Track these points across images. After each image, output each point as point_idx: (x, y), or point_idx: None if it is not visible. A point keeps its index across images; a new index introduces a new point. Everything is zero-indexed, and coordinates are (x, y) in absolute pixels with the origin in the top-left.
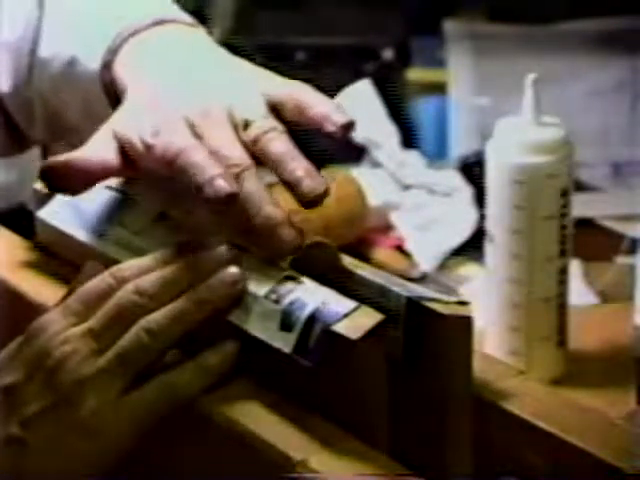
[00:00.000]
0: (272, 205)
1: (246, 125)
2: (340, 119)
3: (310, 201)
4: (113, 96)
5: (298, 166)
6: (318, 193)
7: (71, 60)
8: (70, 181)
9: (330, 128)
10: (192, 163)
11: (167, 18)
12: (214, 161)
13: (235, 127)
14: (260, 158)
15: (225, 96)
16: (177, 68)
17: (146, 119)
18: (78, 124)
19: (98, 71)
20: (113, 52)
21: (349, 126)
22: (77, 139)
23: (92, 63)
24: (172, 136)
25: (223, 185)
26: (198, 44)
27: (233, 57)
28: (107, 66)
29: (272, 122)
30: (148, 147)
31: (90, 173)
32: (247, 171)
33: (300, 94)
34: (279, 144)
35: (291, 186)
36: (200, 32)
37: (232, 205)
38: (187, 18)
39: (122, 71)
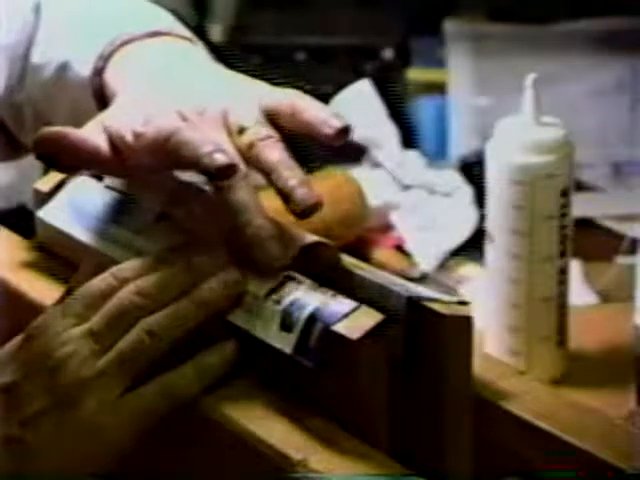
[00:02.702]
0: (263, 217)
1: (241, 131)
2: (337, 123)
3: (302, 211)
4: (102, 102)
5: (292, 175)
6: (310, 204)
7: (63, 65)
8: (59, 153)
9: (327, 131)
10: (187, 139)
11: (163, 30)
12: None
13: (229, 132)
14: (253, 164)
15: (220, 103)
16: (169, 77)
17: (137, 113)
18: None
19: (89, 77)
20: (105, 59)
21: (346, 130)
22: None
23: (83, 69)
24: (164, 121)
25: (222, 157)
26: (192, 56)
27: (227, 70)
28: (98, 72)
29: (268, 130)
30: (138, 135)
31: (80, 152)
32: (240, 179)
33: (295, 100)
34: (274, 152)
35: (284, 195)
36: (196, 46)
37: (231, 177)
38: (185, 32)
39: (113, 78)
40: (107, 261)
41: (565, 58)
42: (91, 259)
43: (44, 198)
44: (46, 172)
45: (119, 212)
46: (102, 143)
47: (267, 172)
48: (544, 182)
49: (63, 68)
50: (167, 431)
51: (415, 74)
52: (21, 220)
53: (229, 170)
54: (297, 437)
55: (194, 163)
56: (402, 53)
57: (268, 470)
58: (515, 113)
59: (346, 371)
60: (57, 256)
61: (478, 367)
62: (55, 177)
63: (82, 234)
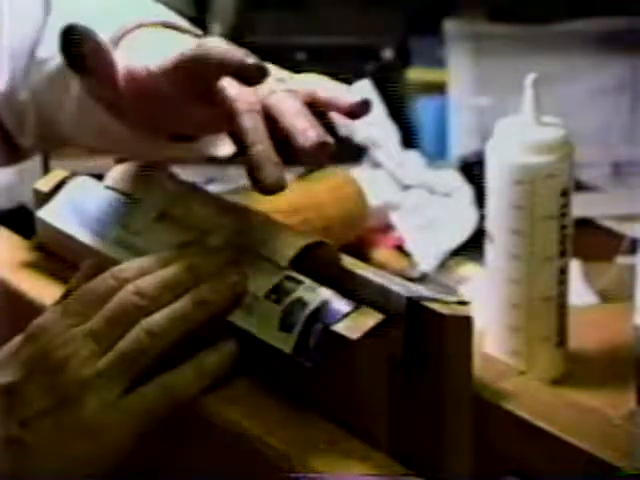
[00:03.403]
0: (264, 144)
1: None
2: (355, 98)
3: (311, 152)
4: None
5: (306, 119)
6: (322, 142)
7: None
8: (80, 47)
9: (347, 106)
10: (220, 46)
11: (172, 22)
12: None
13: None
14: (270, 108)
15: None
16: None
17: None
18: (71, 128)
19: None
20: (114, 43)
21: (366, 104)
22: (68, 147)
23: None
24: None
25: (253, 60)
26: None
27: None
28: None
29: (293, 86)
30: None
31: (102, 57)
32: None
33: (312, 80)
34: (293, 101)
35: (294, 136)
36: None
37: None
38: (194, 29)
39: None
40: (107, 261)
41: (565, 58)
42: (91, 259)
43: (44, 198)
44: (46, 172)
45: (119, 212)
46: (122, 63)
47: (278, 115)
48: (544, 182)
49: None
50: (167, 431)
51: (415, 74)
52: (21, 220)
53: (261, 72)
54: (297, 437)
55: (224, 68)
56: (402, 53)
57: (268, 470)
58: (515, 113)
59: (346, 371)
60: (57, 256)
61: (478, 367)
62: (55, 177)
63: (82, 234)
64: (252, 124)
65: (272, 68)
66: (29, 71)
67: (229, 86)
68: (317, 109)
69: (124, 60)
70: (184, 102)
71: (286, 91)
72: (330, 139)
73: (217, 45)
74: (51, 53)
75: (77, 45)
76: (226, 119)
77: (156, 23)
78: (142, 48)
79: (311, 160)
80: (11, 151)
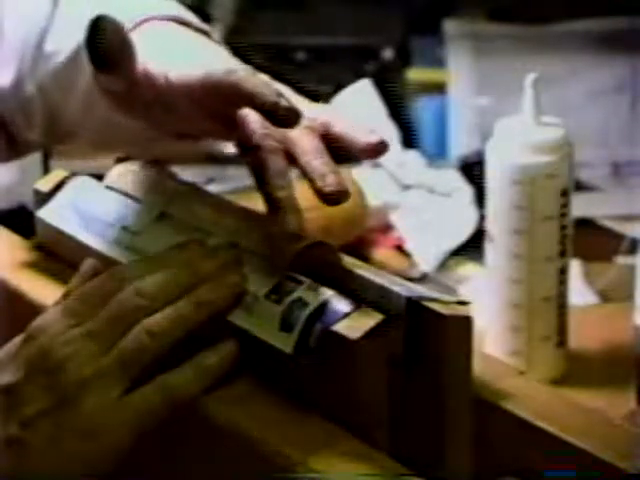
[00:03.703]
0: (288, 191)
1: None
2: (373, 138)
3: (329, 196)
4: None
5: (325, 162)
6: (341, 189)
7: (77, 49)
8: (107, 42)
9: (363, 144)
10: (251, 79)
11: (184, 18)
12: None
13: None
14: (288, 146)
15: None
16: (192, 56)
17: None
18: (76, 122)
19: None
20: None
21: (383, 145)
22: (74, 141)
23: None
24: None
25: (285, 102)
26: (213, 45)
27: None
28: None
29: (310, 121)
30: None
31: (125, 50)
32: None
33: (328, 112)
34: (310, 138)
35: (314, 180)
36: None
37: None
38: (205, 26)
39: None
40: (107, 261)
41: (565, 58)
42: (91, 259)
43: (44, 198)
44: (46, 172)
45: (119, 212)
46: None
47: (300, 156)
48: (544, 182)
49: (77, 52)
50: (167, 431)
51: (415, 74)
52: (21, 220)
53: (294, 116)
54: (297, 437)
55: (255, 104)
56: (402, 53)
57: (268, 470)
58: (515, 113)
59: (346, 371)
60: (57, 256)
61: (478, 367)
62: (55, 177)
63: (82, 234)
64: (278, 168)
65: (291, 96)
66: (36, 65)
67: (250, 114)
68: (332, 142)
69: (140, 58)
70: (198, 117)
71: (304, 127)
72: (346, 186)
73: (249, 76)
74: (59, 46)
75: (103, 39)
76: (239, 138)
77: (167, 17)
78: (153, 45)
79: (328, 202)
80: (16, 147)
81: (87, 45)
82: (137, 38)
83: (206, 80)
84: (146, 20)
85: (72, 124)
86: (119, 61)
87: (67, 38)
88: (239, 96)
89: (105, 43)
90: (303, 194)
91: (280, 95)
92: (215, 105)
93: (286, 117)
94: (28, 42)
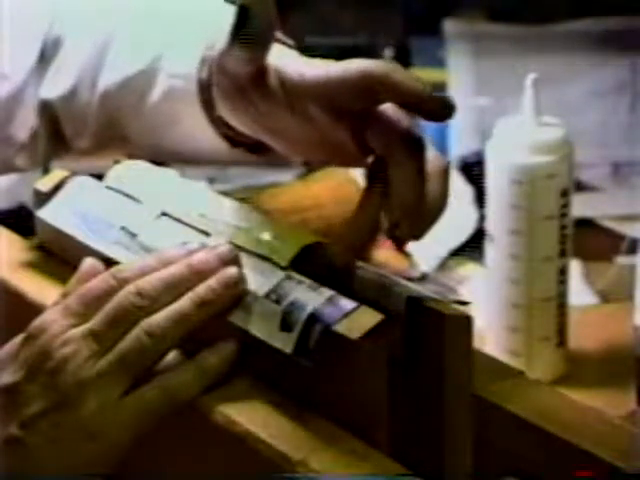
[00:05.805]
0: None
1: None
2: (441, 99)
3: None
4: (207, 90)
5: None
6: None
7: (156, 58)
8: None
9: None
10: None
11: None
12: None
13: None
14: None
15: None
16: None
17: None
18: (131, 132)
19: (196, 67)
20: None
21: (451, 107)
22: (122, 150)
23: (183, 62)
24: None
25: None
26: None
27: None
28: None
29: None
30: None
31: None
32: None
33: (396, 73)
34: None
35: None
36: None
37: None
38: (287, 40)
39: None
40: (107, 261)
41: (565, 58)
42: (91, 259)
43: (44, 198)
44: (46, 172)
45: (119, 212)
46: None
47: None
48: (544, 182)
49: (156, 61)
50: (167, 431)
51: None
52: (21, 220)
53: (449, 109)
54: (297, 437)
55: (405, 94)
56: (402, 53)
57: (268, 470)
58: (515, 113)
59: (346, 371)
60: (57, 256)
61: (478, 367)
62: (55, 177)
63: (82, 234)
64: (413, 196)
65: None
66: (97, 75)
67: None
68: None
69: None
70: (329, 120)
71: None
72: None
73: (398, 67)
74: (126, 60)
75: (253, 21)
76: (362, 151)
77: None
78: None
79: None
80: (61, 151)
81: (235, 23)
82: None
83: (355, 72)
84: None
85: (127, 131)
86: (267, 39)
87: (135, 49)
88: (386, 88)
89: (253, 25)
90: (303, 194)
91: (428, 86)
92: (349, 103)
93: (441, 110)
94: (91, 52)
